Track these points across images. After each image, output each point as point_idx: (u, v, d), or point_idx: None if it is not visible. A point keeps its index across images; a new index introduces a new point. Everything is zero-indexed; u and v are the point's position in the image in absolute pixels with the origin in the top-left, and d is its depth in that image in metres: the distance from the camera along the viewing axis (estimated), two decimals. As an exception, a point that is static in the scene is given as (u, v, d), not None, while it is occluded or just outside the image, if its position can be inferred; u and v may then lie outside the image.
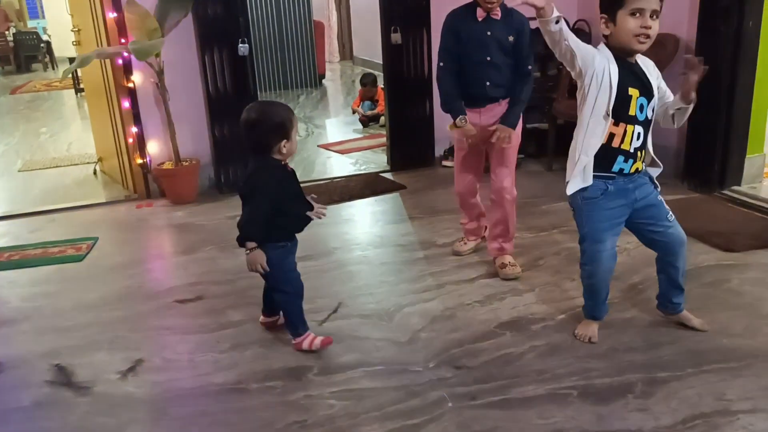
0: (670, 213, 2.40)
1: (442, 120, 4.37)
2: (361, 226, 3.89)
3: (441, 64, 3.00)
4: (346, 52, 12.55)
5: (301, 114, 7.54)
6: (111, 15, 4.22)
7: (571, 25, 5.07)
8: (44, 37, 13.46)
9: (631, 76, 2.23)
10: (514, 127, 2.95)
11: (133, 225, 4.12)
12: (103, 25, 4.29)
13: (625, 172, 2.30)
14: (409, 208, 4.14)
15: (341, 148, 5.76)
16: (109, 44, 4.29)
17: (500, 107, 2.96)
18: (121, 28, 4.21)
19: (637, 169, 2.32)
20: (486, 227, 3.31)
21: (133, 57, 4.17)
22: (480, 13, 2.88)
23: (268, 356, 2.53)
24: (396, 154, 4.99)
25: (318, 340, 2.53)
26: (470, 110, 2.98)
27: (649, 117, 2.28)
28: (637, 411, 2.09)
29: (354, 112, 6.73)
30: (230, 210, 4.18)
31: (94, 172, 5.27)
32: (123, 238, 3.92)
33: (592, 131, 2.26)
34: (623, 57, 2.23)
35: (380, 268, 3.27)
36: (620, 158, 2.27)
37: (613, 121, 2.23)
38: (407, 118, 4.90)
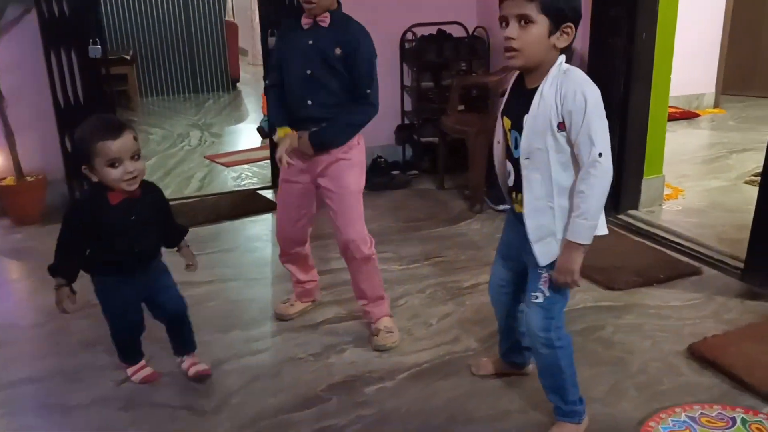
0: (537, 294, 1.85)
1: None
2: (213, 255, 3.43)
3: (266, 82, 2.56)
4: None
5: (201, 120, 7.05)
6: (-65, 9, 3.68)
7: (469, 32, 4.74)
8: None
9: (512, 102, 1.81)
10: (316, 146, 2.36)
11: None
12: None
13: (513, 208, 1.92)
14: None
15: (228, 159, 5.29)
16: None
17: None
18: (-51, 24, 3.68)
19: (516, 211, 1.88)
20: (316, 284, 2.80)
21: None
22: (305, 20, 2.37)
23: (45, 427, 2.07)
24: (278, 169, 4.54)
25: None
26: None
27: (525, 154, 1.73)
28: None
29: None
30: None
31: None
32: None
33: None
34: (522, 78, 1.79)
35: (218, 309, 2.83)
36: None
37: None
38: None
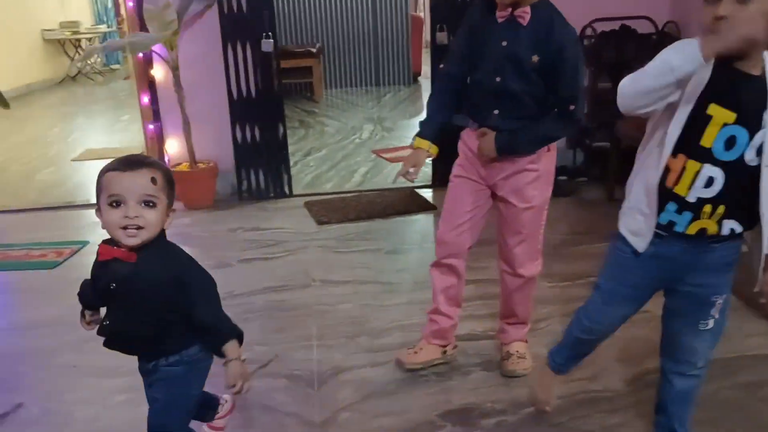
0: (709, 321, 1.65)
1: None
2: (356, 254, 3.38)
3: (441, 65, 2.25)
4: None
5: (376, 114, 7.11)
6: (130, 4, 3.99)
7: (658, 28, 4.27)
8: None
9: (727, 89, 1.44)
10: (502, 150, 2.05)
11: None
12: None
13: (677, 229, 1.54)
14: (427, 234, 3.59)
15: (394, 155, 5.25)
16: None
17: None
18: (141, 18, 3.97)
19: (704, 231, 1.53)
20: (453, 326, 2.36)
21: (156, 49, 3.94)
22: (500, 12, 1.98)
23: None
24: (440, 167, 4.42)
25: None
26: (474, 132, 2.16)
27: (748, 160, 1.45)
28: None
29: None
30: (237, 221, 3.85)
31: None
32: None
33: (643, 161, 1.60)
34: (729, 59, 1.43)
35: (349, 312, 2.77)
36: (670, 206, 1.53)
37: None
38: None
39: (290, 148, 5.35)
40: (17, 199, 4.47)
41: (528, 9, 1.95)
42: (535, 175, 2.12)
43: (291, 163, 4.49)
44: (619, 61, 4.16)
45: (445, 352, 2.36)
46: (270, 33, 4.01)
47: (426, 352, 2.33)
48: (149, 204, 1.45)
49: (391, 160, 5.12)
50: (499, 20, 1.99)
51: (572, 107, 1.97)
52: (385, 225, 3.75)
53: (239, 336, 1.56)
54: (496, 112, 2.07)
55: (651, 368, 2.26)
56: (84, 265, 3.35)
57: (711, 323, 1.65)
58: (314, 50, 7.73)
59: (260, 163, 4.23)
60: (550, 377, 1.98)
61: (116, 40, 3.87)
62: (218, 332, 1.54)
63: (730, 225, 1.52)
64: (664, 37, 4.23)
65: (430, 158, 2.23)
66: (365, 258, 3.31)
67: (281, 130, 4.23)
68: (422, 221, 3.81)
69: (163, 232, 1.51)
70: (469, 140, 2.19)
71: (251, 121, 4.16)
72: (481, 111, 2.12)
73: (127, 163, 1.47)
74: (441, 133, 2.20)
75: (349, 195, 4.25)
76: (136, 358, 1.65)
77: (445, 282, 2.29)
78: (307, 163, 5.12)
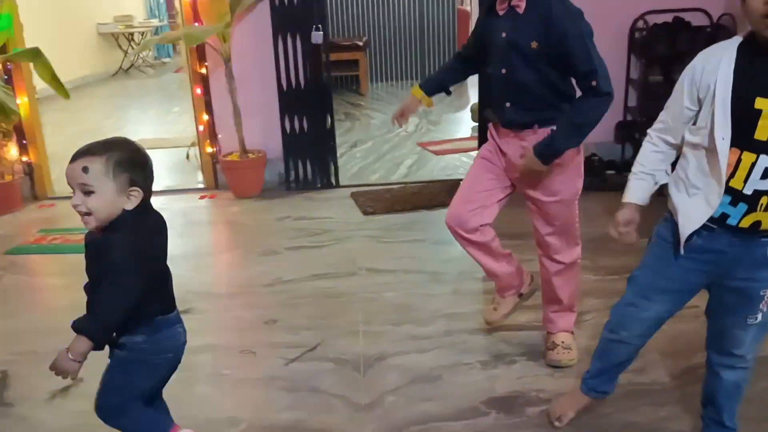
0: (757, 315, 1.61)
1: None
2: (402, 245, 3.41)
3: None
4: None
5: (421, 107, 7.08)
6: (186, -2, 4.10)
7: (714, 21, 4.18)
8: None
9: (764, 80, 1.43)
10: (544, 157, 2.01)
11: (183, 216, 3.96)
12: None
13: (730, 222, 1.52)
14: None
15: (439, 148, 5.27)
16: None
17: (536, 136, 2.07)
18: (196, 11, 4.07)
19: (758, 224, 1.50)
20: (525, 274, 2.44)
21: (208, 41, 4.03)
22: (500, 5, 2.05)
23: (213, 397, 2.20)
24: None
25: None
26: (498, 130, 2.21)
27: None
28: None
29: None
30: (285, 210, 3.93)
31: (187, 157, 5.25)
32: (165, 231, 3.77)
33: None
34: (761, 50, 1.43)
35: (395, 300, 2.81)
36: (724, 198, 1.50)
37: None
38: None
39: (337, 140, 5.42)
40: (74, 186, 4.63)
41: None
42: (560, 168, 2.09)
43: (337, 154, 4.53)
44: (670, 53, 4.10)
45: (521, 295, 2.41)
46: (320, 25, 4.06)
47: (503, 306, 2.41)
48: (87, 192, 1.50)
49: (437, 153, 5.13)
50: (500, 13, 2.05)
51: (594, 82, 1.93)
52: (430, 216, 3.77)
53: (94, 340, 1.51)
54: (507, 104, 2.10)
55: (698, 363, 2.22)
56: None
57: (760, 317, 1.63)
58: (361, 43, 7.79)
59: (308, 154, 4.30)
60: (578, 397, 1.95)
61: (172, 32, 3.97)
62: (88, 318, 1.53)
63: None
64: (718, 30, 4.15)
65: (423, 107, 2.44)
66: (410, 248, 3.34)
67: (329, 121, 4.28)
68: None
69: (127, 212, 1.53)
70: (493, 130, 2.24)
71: (300, 111, 4.22)
72: (496, 105, 2.16)
73: (74, 155, 1.53)
74: (437, 90, 2.40)
75: (394, 186, 4.29)
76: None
77: (477, 253, 2.29)
78: (353, 155, 5.17)
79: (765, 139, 1.42)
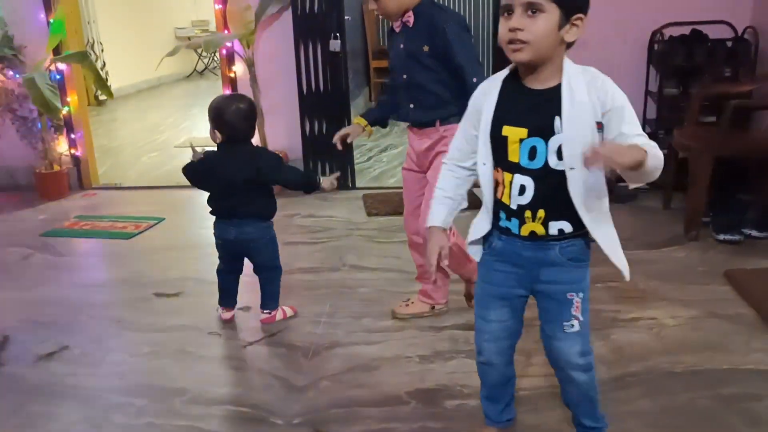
0: (572, 322, 1.69)
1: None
2: (393, 245, 3.55)
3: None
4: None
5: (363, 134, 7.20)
6: (218, 6, 4.39)
7: (738, 33, 4.12)
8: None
9: (513, 108, 1.57)
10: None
11: (204, 209, 4.24)
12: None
13: (513, 232, 1.66)
14: (465, 229, 3.70)
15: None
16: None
17: (438, 132, 2.39)
18: (225, 19, 4.37)
19: (534, 233, 1.64)
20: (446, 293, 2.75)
21: (236, 47, 4.33)
22: (395, 23, 2.41)
23: (171, 370, 2.44)
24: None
25: (287, 308, 2.77)
26: (411, 129, 2.55)
27: (552, 165, 1.55)
28: None
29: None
30: (297, 208, 4.14)
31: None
32: (183, 223, 4.06)
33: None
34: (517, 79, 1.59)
35: (365, 296, 2.97)
36: (502, 214, 1.67)
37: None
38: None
39: (368, 144, 5.63)
40: (122, 178, 5.04)
41: (411, 13, 2.34)
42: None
43: (365, 158, 4.73)
44: (687, 66, 4.07)
45: (433, 308, 2.72)
46: (338, 34, 4.27)
47: (417, 306, 2.73)
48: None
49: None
50: (396, 30, 2.42)
51: (474, 80, 2.19)
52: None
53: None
54: (411, 106, 2.45)
55: (634, 371, 2.31)
56: (154, 238, 3.78)
57: (576, 324, 1.68)
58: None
59: (326, 155, 4.51)
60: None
61: (196, 38, 4.31)
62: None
63: (558, 226, 1.61)
64: (739, 43, 4.08)
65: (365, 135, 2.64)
66: (399, 249, 3.48)
67: (347, 124, 4.47)
68: (468, 217, 3.90)
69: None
70: (409, 132, 2.58)
71: (319, 115, 4.44)
72: (403, 108, 2.49)
73: None
74: (377, 121, 2.65)
75: (397, 190, 4.43)
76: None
77: (417, 259, 2.69)
78: (380, 159, 5.34)
79: (516, 161, 1.57)
